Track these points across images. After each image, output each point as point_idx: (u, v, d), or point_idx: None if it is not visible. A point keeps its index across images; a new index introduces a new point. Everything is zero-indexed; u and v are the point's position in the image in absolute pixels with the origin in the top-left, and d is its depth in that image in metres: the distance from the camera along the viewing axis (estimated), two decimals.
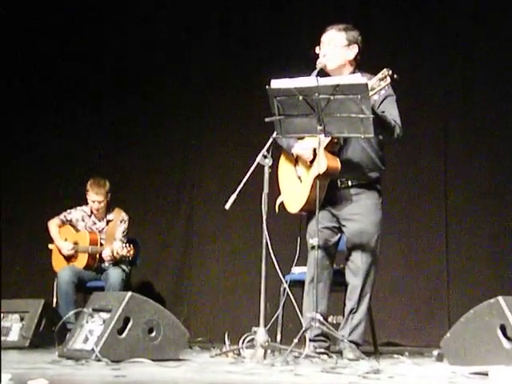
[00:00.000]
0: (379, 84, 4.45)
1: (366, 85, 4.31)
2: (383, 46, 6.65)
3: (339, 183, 4.75)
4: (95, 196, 6.60)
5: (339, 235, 4.83)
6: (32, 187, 7.70)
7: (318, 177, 4.57)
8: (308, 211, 4.76)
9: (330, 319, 4.89)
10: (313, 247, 4.55)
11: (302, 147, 4.76)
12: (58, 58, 7.68)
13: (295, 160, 4.87)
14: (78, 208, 6.74)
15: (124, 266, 6.51)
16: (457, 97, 6.72)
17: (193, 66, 7.45)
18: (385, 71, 4.45)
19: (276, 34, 7.13)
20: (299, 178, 4.82)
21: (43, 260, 6.83)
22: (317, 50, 4.80)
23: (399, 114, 4.72)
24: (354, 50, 4.81)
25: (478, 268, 6.47)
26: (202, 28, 7.42)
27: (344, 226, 4.77)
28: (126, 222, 6.68)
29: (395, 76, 4.42)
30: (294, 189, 4.81)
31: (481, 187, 6.58)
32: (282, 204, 4.86)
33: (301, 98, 4.37)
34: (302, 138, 4.80)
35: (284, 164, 4.93)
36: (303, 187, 4.75)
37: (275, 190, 4.80)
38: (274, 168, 4.68)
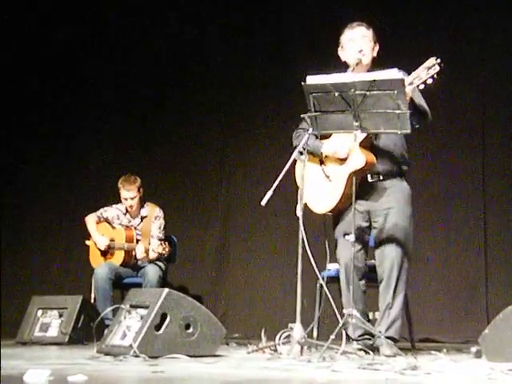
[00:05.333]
0: (427, 73, 4.41)
1: (403, 80, 4.28)
2: (420, 35, 6.64)
3: (369, 177, 4.71)
4: (127, 193, 6.63)
5: (369, 235, 4.81)
6: (69, 186, 7.77)
7: (355, 172, 4.55)
8: (340, 210, 4.72)
9: (370, 316, 4.87)
10: (349, 242, 4.54)
11: (333, 146, 4.73)
12: (94, 52, 7.76)
13: (319, 160, 4.82)
14: (114, 206, 6.78)
15: (160, 263, 6.54)
16: (495, 88, 6.66)
17: (226, 64, 7.47)
18: (433, 60, 4.40)
19: (307, 31, 7.13)
20: (328, 177, 4.79)
21: (81, 257, 6.88)
22: (339, 48, 4.82)
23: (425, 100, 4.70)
24: (376, 48, 4.83)
25: None
26: (236, 26, 7.45)
27: (376, 221, 4.74)
28: (161, 218, 6.70)
29: (442, 64, 4.38)
30: (323, 188, 4.75)
31: None
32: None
33: (337, 94, 4.35)
34: (325, 138, 4.78)
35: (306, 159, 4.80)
36: (335, 185, 4.71)
37: (293, 186, 4.72)
38: (292, 170, 4.64)
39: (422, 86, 4.48)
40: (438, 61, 4.39)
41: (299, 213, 4.40)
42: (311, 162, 4.80)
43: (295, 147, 4.64)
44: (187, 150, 7.58)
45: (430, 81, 4.44)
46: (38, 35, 7.71)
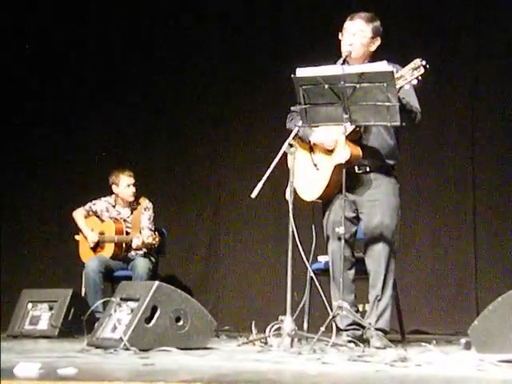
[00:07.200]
0: (412, 74, 4.41)
1: (392, 72, 4.29)
2: (407, 31, 6.63)
3: (356, 169, 4.72)
4: (130, 179, 6.65)
5: (357, 226, 4.82)
6: (60, 179, 7.73)
7: (341, 165, 4.55)
8: (325, 199, 4.74)
9: (360, 308, 4.88)
10: (339, 237, 4.54)
11: (322, 136, 4.74)
12: (86, 49, 7.72)
13: (309, 148, 4.84)
14: (103, 199, 6.78)
15: (151, 256, 6.55)
16: (485, 85, 6.67)
17: (219, 59, 7.45)
18: (418, 61, 4.40)
19: (300, 24, 7.13)
20: (315, 165, 4.80)
21: (71, 251, 6.87)
22: (340, 36, 4.79)
23: (417, 100, 4.70)
24: (376, 43, 4.80)
25: (506, 255, 6.44)
26: (229, 20, 7.43)
27: (362, 212, 4.76)
28: (151, 209, 6.71)
29: (427, 66, 4.38)
30: (310, 176, 4.77)
31: (509, 172, 6.54)
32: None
33: (326, 86, 4.36)
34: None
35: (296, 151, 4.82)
36: (321, 175, 4.73)
37: (283, 178, 4.72)
38: (284, 161, 4.65)
39: (407, 87, 4.47)
40: (423, 63, 4.39)
41: (288, 195, 4.41)
42: (302, 148, 4.81)
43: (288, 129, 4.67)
44: (178, 143, 7.57)
45: (414, 81, 4.44)
46: (38, 35, 7.67)
